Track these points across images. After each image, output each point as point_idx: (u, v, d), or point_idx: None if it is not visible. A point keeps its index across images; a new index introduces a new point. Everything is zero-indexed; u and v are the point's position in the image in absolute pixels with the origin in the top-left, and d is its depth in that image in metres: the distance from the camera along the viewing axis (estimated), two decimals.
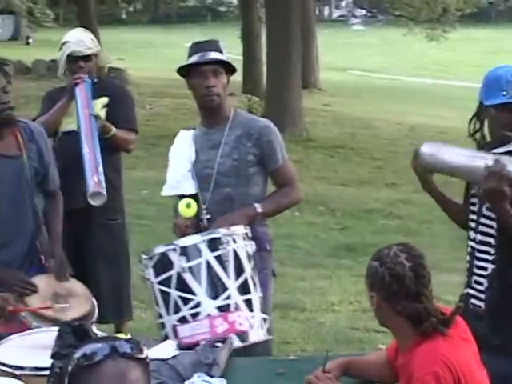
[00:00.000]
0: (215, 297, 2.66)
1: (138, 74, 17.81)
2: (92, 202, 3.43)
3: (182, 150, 3.12)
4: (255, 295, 2.75)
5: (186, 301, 2.65)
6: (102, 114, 3.77)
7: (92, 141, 3.52)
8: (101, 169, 3.47)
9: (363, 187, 9.06)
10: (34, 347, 2.35)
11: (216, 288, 2.67)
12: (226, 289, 2.67)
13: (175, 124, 12.44)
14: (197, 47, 3.05)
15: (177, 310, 2.65)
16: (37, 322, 2.68)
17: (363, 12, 39.73)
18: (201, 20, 42.59)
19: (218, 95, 3.01)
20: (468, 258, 2.64)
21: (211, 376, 2.38)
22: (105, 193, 3.43)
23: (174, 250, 2.64)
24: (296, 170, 3.28)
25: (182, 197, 3.09)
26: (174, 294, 2.65)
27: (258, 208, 3.00)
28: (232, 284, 2.68)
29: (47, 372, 1.74)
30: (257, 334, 2.69)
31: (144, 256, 2.72)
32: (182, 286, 2.65)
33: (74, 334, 1.72)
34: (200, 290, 2.65)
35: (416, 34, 19.08)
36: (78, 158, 3.57)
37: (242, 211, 2.98)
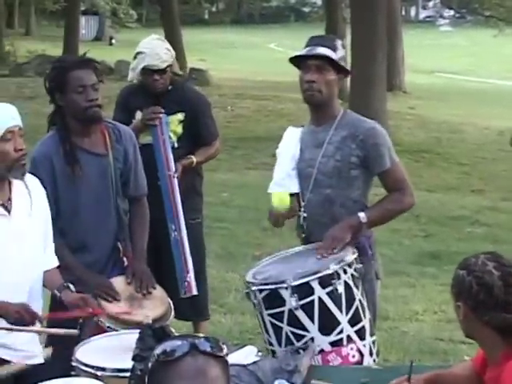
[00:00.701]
0: (328, 333, 2.64)
1: (220, 75, 17.98)
2: (182, 296, 3.58)
3: (289, 147, 3.09)
4: (365, 320, 2.73)
5: (298, 336, 2.63)
6: (179, 129, 3.79)
7: (179, 221, 3.60)
8: (190, 262, 3.58)
9: (449, 193, 8.91)
10: (115, 349, 2.36)
11: (329, 324, 2.65)
12: (338, 323, 2.66)
13: (256, 126, 12.48)
14: (310, 41, 3.04)
15: (290, 343, 2.65)
16: (110, 323, 2.68)
17: (451, 12, 38.78)
18: (284, 21, 42.58)
19: (319, 91, 2.95)
20: None
21: (292, 383, 2.36)
22: (196, 291, 3.61)
23: (286, 288, 2.61)
24: None
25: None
26: (286, 328, 2.64)
27: (363, 218, 2.90)
28: (344, 318, 2.67)
29: (128, 374, 1.76)
30: (367, 362, 2.70)
31: (253, 288, 2.68)
32: (295, 322, 2.63)
33: (155, 336, 1.72)
34: (313, 327, 2.62)
35: (507, 35, 18.50)
36: (154, 170, 3.62)
37: (345, 223, 2.89)
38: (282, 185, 3.06)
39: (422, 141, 12.00)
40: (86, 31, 33.11)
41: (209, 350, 1.49)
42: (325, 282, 2.62)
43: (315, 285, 2.61)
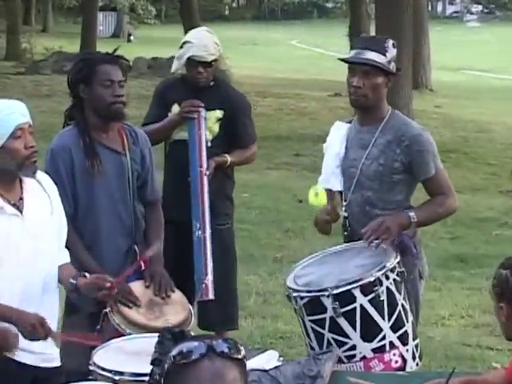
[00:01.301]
0: (370, 340, 2.63)
1: (241, 72, 17.86)
2: (197, 300, 3.42)
3: (334, 144, 3.07)
4: (408, 324, 2.72)
5: (340, 343, 2.63)
6: (215, 127, 3.66)
7: (204, 221, 3.44)
8: (210, 264, 3.41)
9: (476, 194, 8.74)
10: (133, 353, 2.33)
11: (371, 331, 2.63)
12: (380, 330, 2.64)
13: (278, 125, 12.38)
14: (359, 42, 3.01)
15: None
16: (131, 329, 2.63)
17: (479, 8, 38.38)
18: (306, 17, 42.33)
19: (364, 96, 2.93)
20: None
21: None
22: (213, 296, 3.40)
23: (327, 296, 2.59)
24: None
25: (331, 190, 3.07)
26: (328, 335, 2.63)
27: (413, 217, 2.88)
28: (386, 324, 2.65)
29: (146, 378, 1.70)
30: (410, 367, 2.68)
31: (294, 294, 2.67)
32: (336, 329, 2.63)
33: (174, 340, 1.64)
34: (355, 334, 2.62)
35: None
36: (186, 168, 3.52)
37: (396, 218, 2.88)
38: (327, 181, 3.06)
39: (448, 140, 11.84)
40: (104, 28, 33.07)
41: (226, 351, 1.45)
42: (367, 289, 2.61)
43: (357, 293, 2.60)
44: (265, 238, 6.54)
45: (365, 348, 2.60)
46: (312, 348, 2.68)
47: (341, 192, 3.05)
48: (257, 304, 4.90)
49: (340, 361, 2.62)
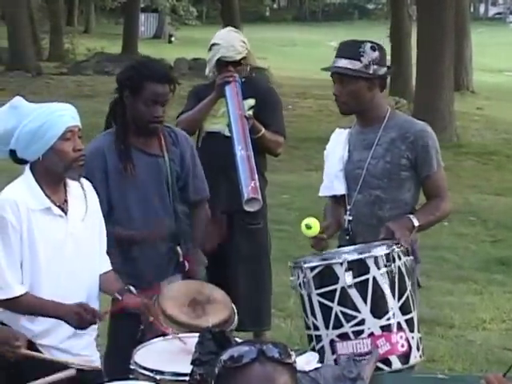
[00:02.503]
0: (379, 316, 2.57)
1: (281, 73, 17.87)
2: (247, 208, 3.35)
3: (336, 149, 3.06)
4: (415, 313, 2.68)
5: (348, 317, 2.56)
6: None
7: (246, 144, 3.44)
8: (256, 174, 3.39)
9: None
10: (174, 352, 2.33)
11: (380, 306, 2.58)
12: (390, 308, 2.60)
13: (318, 126, 12.35)
14: (337, 50, 2.97)
15: (338, 325, 2.58)
16: (174, 328, 2.58)
17: None
18: (347, 18, 42.05)
19: (344, 103, 2.93)
20: None
21: None
22: (261, 199, 3.35)
23: (341, 264, 2.55)
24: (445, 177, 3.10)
25: (335, 197, 3.03)
26: (337, 308, 2.57)
27: (415, 222, 2.85)
28: (396, 303, 2.61)
29: (187, 378, 1.77)
30: (414, 356, 2.63)
31: (305, 265, 2.61)
32: (346, 301, 2.57)
33: (214, 340, 1.71)
34: (365, 308, 2.56)
35: None
36: (221, 160, 3.54)
37: (400, 223, 2.81)
38: (330, 188, 3.03)
39: (490, 142, 11.72)
40: (146, 29, 33.36)
41: (277, 356, 1.46)
42: (380, 262, 2.58)
43: (371, 263, 2.57)
44: (304, 238, 6.45)
45: (374, 324, 2.55)
46: (316, 328, 2.60)
47: (343, 196, 3.00)
48: (296, 305, 4.84)
49: (347, 337, 2.55)
